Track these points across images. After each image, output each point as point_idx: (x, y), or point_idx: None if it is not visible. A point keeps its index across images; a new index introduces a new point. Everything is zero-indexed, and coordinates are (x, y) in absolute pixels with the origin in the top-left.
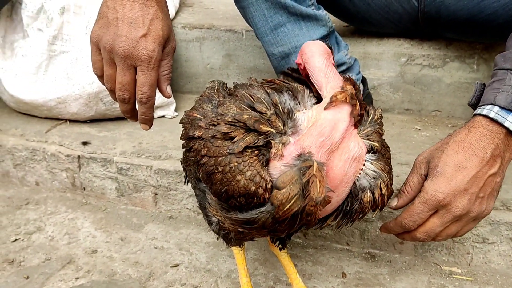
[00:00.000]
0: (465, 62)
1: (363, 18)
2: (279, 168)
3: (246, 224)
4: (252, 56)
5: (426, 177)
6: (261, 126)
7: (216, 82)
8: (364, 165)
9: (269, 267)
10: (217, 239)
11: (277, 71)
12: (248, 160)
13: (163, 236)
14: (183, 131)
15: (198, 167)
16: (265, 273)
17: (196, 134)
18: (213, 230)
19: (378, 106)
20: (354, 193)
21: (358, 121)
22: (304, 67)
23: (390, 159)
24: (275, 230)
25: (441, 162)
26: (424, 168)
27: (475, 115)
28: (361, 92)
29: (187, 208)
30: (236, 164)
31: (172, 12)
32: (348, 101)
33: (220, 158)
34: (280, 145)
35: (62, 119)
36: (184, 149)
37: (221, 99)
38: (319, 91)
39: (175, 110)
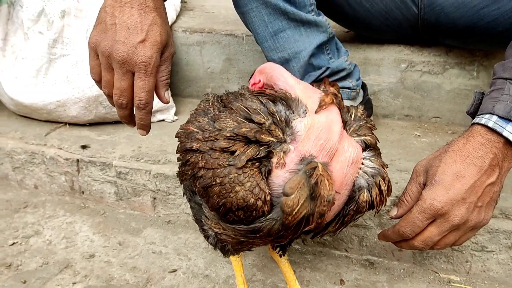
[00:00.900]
0: (465, 69)
1: (363, 24)
2: (282, 176)
3: (251, 233)
4: (252, 61)
5: (424, 185)
6: (263, 136)
7: (211, 95)
8: (362, 163)
9: (267, 273)
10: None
11: None
12: (249, 172)
13: (162, 241)
14: (178, 144)
15: (195, 180)
16: (263, 279)
17: (194, 146)
18: (210, 243)
19: (377, 112)
20: (351, 194)
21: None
22: (264, 86)
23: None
24: (280, 237)
25: (439, 170)
26: (422, 176)
27: (473, 124)
28: (362, 97)
29: (185, 213)
30: (236, 175)
31: (172, 16)
32: (334, 102)
33: (218, 170)
34: (282, 153)
35: (61, 122)
36: (179, 162)
37: (217, 112)
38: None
39: (175, 114)
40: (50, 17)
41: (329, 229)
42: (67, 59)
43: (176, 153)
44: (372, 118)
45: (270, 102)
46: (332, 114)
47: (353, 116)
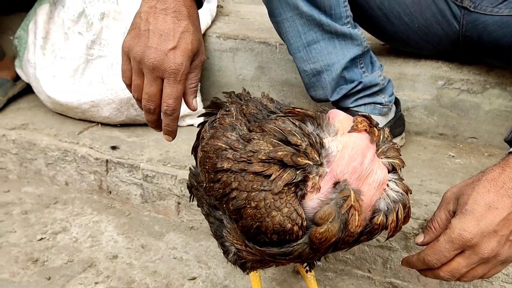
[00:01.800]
0: (506, 89)
1: (401, 38)
2: (316, 200)
3: (281, 256)
4: (284, 70)
5: (454, 213)
6: (299, 159)
7: (233, 109)
8: (388, 185)
9: None
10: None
11: (308, 88)
12: (285, 197)
13: (183, 247)
14: (206, 160)
15: (227, 200)
16: None
17: (225, 166)
18: (229, 260)
19: (410, 129)
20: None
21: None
22: None
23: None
24: (309, 258)
25: (471, 199)
26: (452, 204)
27: (510, 153)
28: (394, 113)
29: None
30: (272, 200)
31: (208, 21)
32: (368, 129)
33: (253, 193)
34: (317, 177)
35: (94, 122)
36: (208, 178)
37: (244, 127)
38: None
39: None
40: (90, 19)
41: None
42: (103, 60)
43: (201, 169)
44: (404, 134)
45: (303, 123)
46: (366, 136)
47: (381, 137)
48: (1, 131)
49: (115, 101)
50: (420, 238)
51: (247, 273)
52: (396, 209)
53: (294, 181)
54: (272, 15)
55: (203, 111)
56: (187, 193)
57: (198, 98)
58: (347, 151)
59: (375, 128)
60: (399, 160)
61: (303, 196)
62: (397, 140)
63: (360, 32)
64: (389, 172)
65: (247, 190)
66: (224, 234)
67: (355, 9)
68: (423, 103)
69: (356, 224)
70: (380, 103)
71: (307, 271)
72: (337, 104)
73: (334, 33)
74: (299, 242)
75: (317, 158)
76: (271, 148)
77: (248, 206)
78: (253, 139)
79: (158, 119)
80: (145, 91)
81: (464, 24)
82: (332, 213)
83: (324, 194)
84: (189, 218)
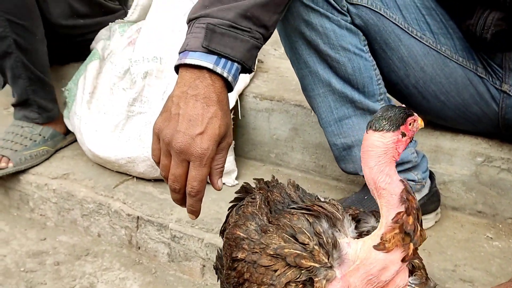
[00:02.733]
0: None
1: (438, 115)
2: None
3: None
4: (318, 133)
5: None
6: (303, 261)
7: (258, 197)
8: None
9: None
10: None
11: (338, 161)
12: None
13: None
14: (227, 247)
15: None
16: None
17: (239, 256)
18: None
19: (446, 203)
20: None
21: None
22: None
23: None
24: None
25: None
26: None
27: None
28: (429, 189)
29: None
30: None
31: (246, 80)
32: (399, 246)
33: (262, 287)
34: (324, 282)
35: (130, 175)
36: (227, 264)
37: (264, 218)
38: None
39: (236, 178)
40: (134, 77)
41: None
42: (142, 117)
43: (223, 256)
44: (439, 210)
45: (317, 221)
46: (393, 256)
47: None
48: (44, 180)
49: (150, 159)
50: None
51: None
52: None
53: (298, 279)
54: (305, 89)
55: (235, 169)
56: (212, 258)
57: (231, 157)
58: (365, 265)
59: (411, 244)
60: (418, 260)
61: None
62: (431, 216)
63: None
64: (410, 273)
65: (257, 282)
66: None
67: (391, 86)
68: (461, 178)
69: None
70: (413, 180)
71: None
72: None
73: (367, 110)
74: None
75: (325, 260)
76: (280, 244)
77: None
78: (269, 231)
79: (183, 198)
80: (171, 172)
81: (503, 107)
82: None
83: None
84: (213, 282)
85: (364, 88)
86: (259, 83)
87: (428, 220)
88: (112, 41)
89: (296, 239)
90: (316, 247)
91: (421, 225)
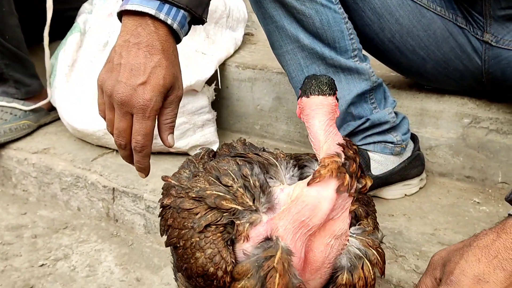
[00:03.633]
0: None
1: (418, 72)
2: (242, 252)
3: None
4: None
5: (440, 281)
6: (223, 202)
7: (204, 149)
8: (348, 240)
9: None
10: None
11: None
12: (211, 237)
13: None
14: (161, 196)
15: (167, 237)
16: None
17: (165, 202)
18: None
19: (433, 169)
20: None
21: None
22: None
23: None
24: None
25: (457, 269)
26: (439, 270)
27: (509, 215)
28: (411, 152)
29: None
30: (197, 239)
31: (230, 50)
32: (335, 175)
33: (183, 231)
34: (247, 225)
35: (110, 149)
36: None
37: (201, 166)
38: (315, 153)
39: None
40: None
41: None
42: None
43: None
44: (424, 175)
45: (247, 164)
46: (326, 190)
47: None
48: (24, 155)
49: None
50: None
51: None
52: (360, 266)
53: (219, 222)
54: (273, 47)
55: (217, 140)
56: None
57: (212, 128)
58: (296, 205)
59: (346, 175)
60: (363, 209)
61: (233, 242)
62: (414, 182)
63: (368, 66)
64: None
65: (179, 227)
66: (177, 277)
67: (366, 42)
68: (447, 142)
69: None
70: (392, 142)
71: None
72: None
73: (339, 67)
74: None
75: (250, 203)
76: (205, 186)
77: (178, 245)
78: (197, 175)
79: (131, 155)
80: (115, 126)
81: (486, 60)
82: (249, 270)
83: (251, 247)
84: None
85: (335, 43)
86: (244, 54)
87: (412, 186)
88: (93, 14)
89: (220, 181)
90: (240, 190)
91: (362, 171)
